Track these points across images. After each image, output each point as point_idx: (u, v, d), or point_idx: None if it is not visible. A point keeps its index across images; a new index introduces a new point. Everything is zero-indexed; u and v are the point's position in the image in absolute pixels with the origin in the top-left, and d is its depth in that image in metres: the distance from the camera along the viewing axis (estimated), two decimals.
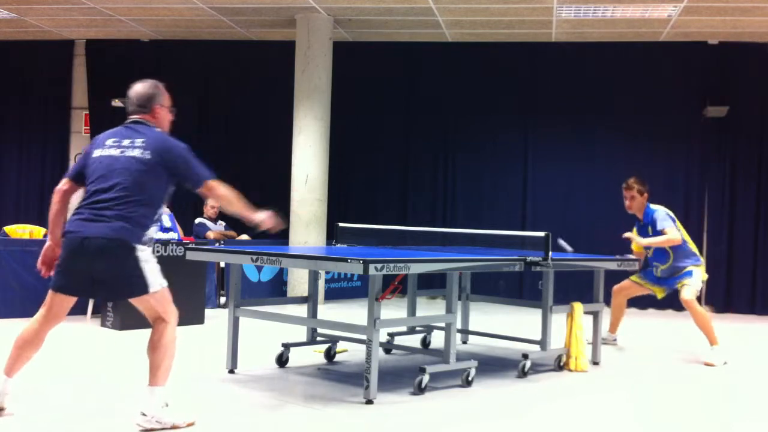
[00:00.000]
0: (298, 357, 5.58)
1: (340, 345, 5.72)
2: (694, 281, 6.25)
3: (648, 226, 6.41)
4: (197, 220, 9.88)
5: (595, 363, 5.82)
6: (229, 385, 4.71)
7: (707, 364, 6.02)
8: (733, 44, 10.04)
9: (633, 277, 6.69)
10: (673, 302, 9.68)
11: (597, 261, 5.86)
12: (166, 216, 7.45)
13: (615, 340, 6.85)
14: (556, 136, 10.51)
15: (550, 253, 5.01)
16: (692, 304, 6.14)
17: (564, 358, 5.55)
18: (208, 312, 7.78)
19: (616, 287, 6.79)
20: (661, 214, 6.37)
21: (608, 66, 10.34)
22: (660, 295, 6.68)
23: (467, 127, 10.72)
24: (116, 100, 10.95)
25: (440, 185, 10.80)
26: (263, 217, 4.13)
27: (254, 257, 4.60)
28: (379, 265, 4.07)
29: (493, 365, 5.65)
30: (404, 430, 3.89)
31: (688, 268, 6.31)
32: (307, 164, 9.45)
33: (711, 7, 8.68)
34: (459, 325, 6.14)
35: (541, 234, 5.04)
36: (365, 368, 4.30)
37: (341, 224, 6.21)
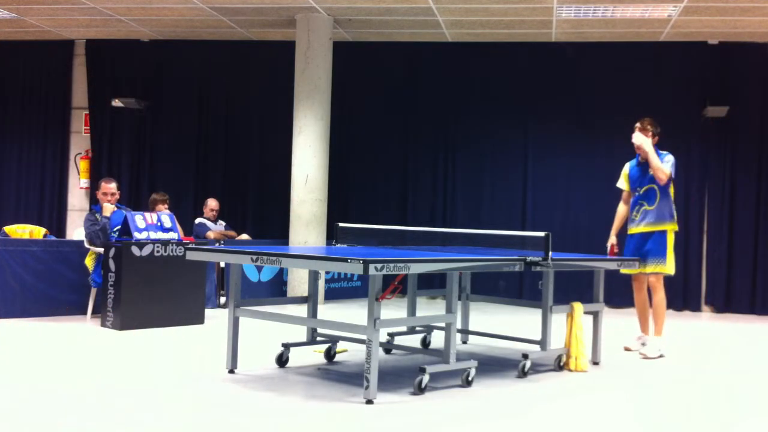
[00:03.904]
0: (298, 357, 5.58)
1: (340, 345, 5.72)
2: (665, 269, 6.35)
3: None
4: (197, 220, 9.88)
5: (595, 363, 5.82)
6: (229, 385, 4.71)
7: (643, 356, 6.24)
8: (733, 44, 10.05)
9: (625, 271, 6.56)
10: (672, 302, 9.70)
11: (597, 261, 5.86)
12: (166, 216, 7.45)
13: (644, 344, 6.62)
14: (556, 136, 10.52)
15: (550, 253, 5.01)
16: (659, 288, 6.37)
17: (564, 358, 5.55)
18: (208, 312, 7.78)
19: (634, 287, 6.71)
20: (670, 157, 6.45)
21: (608, 66, 10.34)
22: (641, 271, 6.52)
23: (467, 127, 10.72)
24: (116, 100, 10.97)
25: (440, 185, 10.80)
26: None
27: (254, 257, 4.59)
28: (379, 265, 4.07)
29: (493, 365, 5.65)
30: (404, 430, 3.89)
31: (663, 242, 6.33)
32: (307, 164, 9.45)
33: (711, 7, 8.68)
34: (459, 325, 6.15)
35: (541, 234, 5.04)
36: (365, 368, 4.30)
37: (341, 224, 6.21)
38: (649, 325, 6.69)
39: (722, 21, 9.16)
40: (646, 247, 6.41)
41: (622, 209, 6.76)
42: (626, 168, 6.75)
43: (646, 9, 8.78)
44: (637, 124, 6.59)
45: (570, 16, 9.16)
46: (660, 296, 6.39)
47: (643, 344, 6.60)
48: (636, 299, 6.72)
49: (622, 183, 6.76)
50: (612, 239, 6.71)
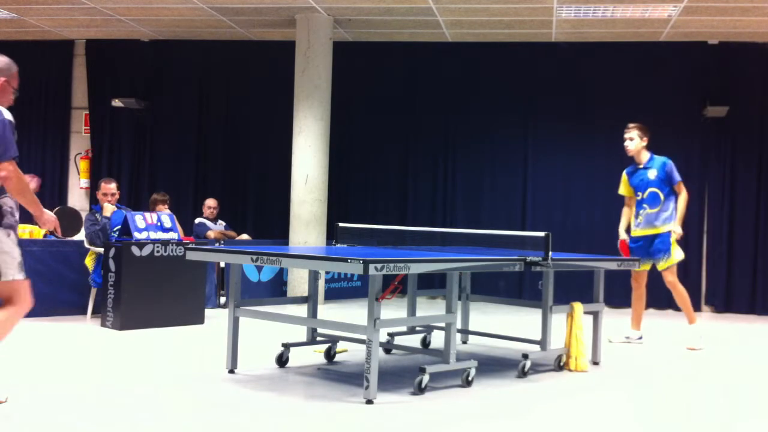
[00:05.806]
0: (298, 357, 5.58)
1: (340, 345, 5.72)
2: (673, 260, 6.64)
3: (649, 170, 6.70)
4: (197, 220, 9.89)
5: (595, 363, 5.82)
6: (229, 385, 4.71)
7: (690, 349, 6.58)
8: (733, 44, 10.05)
9: (643, 268, 6.86)
10: (672, 302, 9.68)
11: (597, 261, 5.86)
12: (166, 216, 7.45)
13: (640, 338, 6.95)
14: (555, 136, 10.52)
15: (550, 253, 5.01)
16: (676, 285, 6.71)
17: (564, 358, 5.55)
18: (208, 312, 7.78)
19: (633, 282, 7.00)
20: (673, 165, 6.69)
21: (608, 66, 10.34)
22: (646, 268, 6.85)
23: (467, 127, 10.72)
24: (116, 100, 10.97)
25: (440, 185, 10.80)
26: (48, 217, 4.30)
27: (254, 257, 4.60)
28: (379, 265, 4.07)
29: (493, 365, 5.65)
30: (404, 430, 3.89)
31: (667, 240, 6.61)
32: (307, 164, 9.45)
33: (711, 7, 8.68)
34: (459, 325, 6.15)
35: (541, 234, 5.04)
36: (365, 368, 4.30)
37: (341, 224, 6.21)
38: (641, 322, 7.02)
39: (722, 21, 9.16)
40: (653, 248, 6.69)
41: (626, 210, 6.98)
42: (625, 175, 6.97)
43: (646, 9, 8.78)
44: (627, 134, 6.79)
45: (570, 16, 9.16)
46: (679, 289, 6.71)
47: (628, 337, 6.93)
48: (634, 294, 6.97)
49: (623, 190, 6.98)
50: (622, 235, 6.91)
